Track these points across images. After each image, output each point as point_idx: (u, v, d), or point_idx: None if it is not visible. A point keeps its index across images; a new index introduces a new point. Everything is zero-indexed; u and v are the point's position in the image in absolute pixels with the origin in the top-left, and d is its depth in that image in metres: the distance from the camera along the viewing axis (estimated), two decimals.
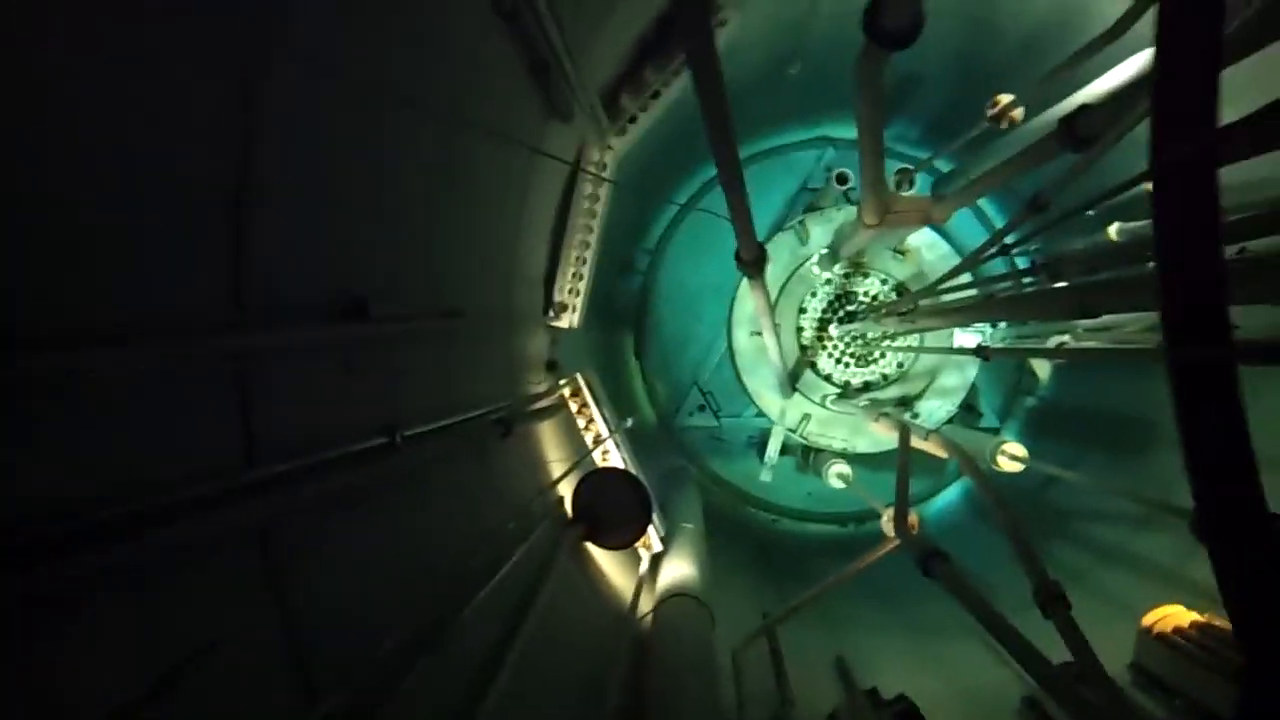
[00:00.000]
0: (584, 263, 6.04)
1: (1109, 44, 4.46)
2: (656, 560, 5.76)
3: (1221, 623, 4.62)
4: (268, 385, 2.47)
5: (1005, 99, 6.13)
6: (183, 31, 2.02)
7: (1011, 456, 6.70)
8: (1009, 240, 4.85)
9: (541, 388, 5.64)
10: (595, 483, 4.80)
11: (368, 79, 2.92)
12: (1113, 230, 6.37)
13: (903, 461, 5.18)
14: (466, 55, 3.67)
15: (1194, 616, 4.74)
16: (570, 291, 6.05)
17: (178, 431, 2.13)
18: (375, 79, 2.98)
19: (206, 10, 2.10)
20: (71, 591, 1.67)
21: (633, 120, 5.72)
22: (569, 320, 6.11)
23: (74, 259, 1.82)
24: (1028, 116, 6.11)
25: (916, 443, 5.75)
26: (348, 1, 2.72)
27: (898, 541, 4.60)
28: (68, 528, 1.65)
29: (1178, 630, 4.67)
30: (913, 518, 4.91)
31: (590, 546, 4.91)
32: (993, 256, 4.97)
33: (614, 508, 4.75)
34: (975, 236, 9.29)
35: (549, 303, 5.98)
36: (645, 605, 4.88)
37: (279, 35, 2.36)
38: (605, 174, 5.78)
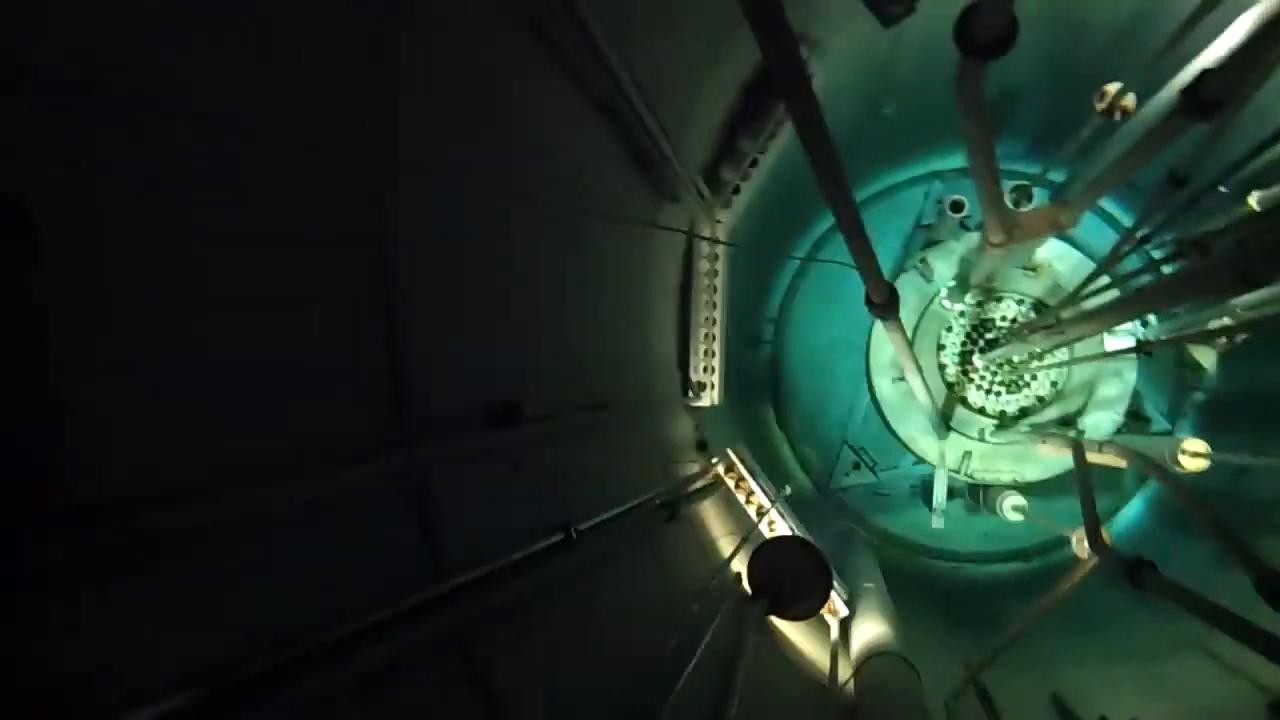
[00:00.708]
0: (713, 339, 6.05)
1: (1211, 10, 4.31)
2: (845, 625, 5.59)
3: None
4: (443, 496, 2.51)
5: (1113, 88, 5.96)
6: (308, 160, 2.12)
7: (1194, 454, 6.36)
8: (1145, 231, 4.67)
9: (696, 468, 5.61)
10: (770, 554, 4.72)
11: (486, 182, 3.01)
12: (1253, 200, 6.07)
13: (1083, 475, 4.96)
14: (575, 150, 3.77)
15: None
16: (705, 370, 6.05)
17: (363, 555, 2.17)
18: (493, 181, 3.07)
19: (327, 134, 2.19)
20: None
21: (736, 191, 5.75)
22: (709, 398, 6.10)
23: (238, 395, 1.88)
24: (1139, 103, 5.92)
25: (1092, 456, 5.50)
26: (458, 109, 2.82)
27: (1096, 559, 4.36)
28: (275, 662, 1.68)
29: None
30: (1105, 535, 4.67)
31: (776, 621, 4.80)
32: (1132, 250, 4.79)
33: (793, 577, 4.65)
34: (1102, 240, 8.97)
35: (686, 384, 5.99)
36: (844, 672, 4.72)
37: (393, 149, 2.45)
38: (718, 240, 5.81)
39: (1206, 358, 8.52)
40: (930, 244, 8.90)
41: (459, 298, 2.90)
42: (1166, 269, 4.70)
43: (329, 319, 2.22)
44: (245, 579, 1.81)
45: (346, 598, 1.97)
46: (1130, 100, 5.94)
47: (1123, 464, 5.65)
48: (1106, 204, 9.30)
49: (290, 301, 2.08)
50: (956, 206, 8.57)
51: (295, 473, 1.91)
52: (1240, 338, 6.59)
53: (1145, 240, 4.60)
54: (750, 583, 4.70)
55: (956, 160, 9.32)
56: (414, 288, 2.53)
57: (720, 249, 5.88)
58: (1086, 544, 4.40)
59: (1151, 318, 7.76)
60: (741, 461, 6.09)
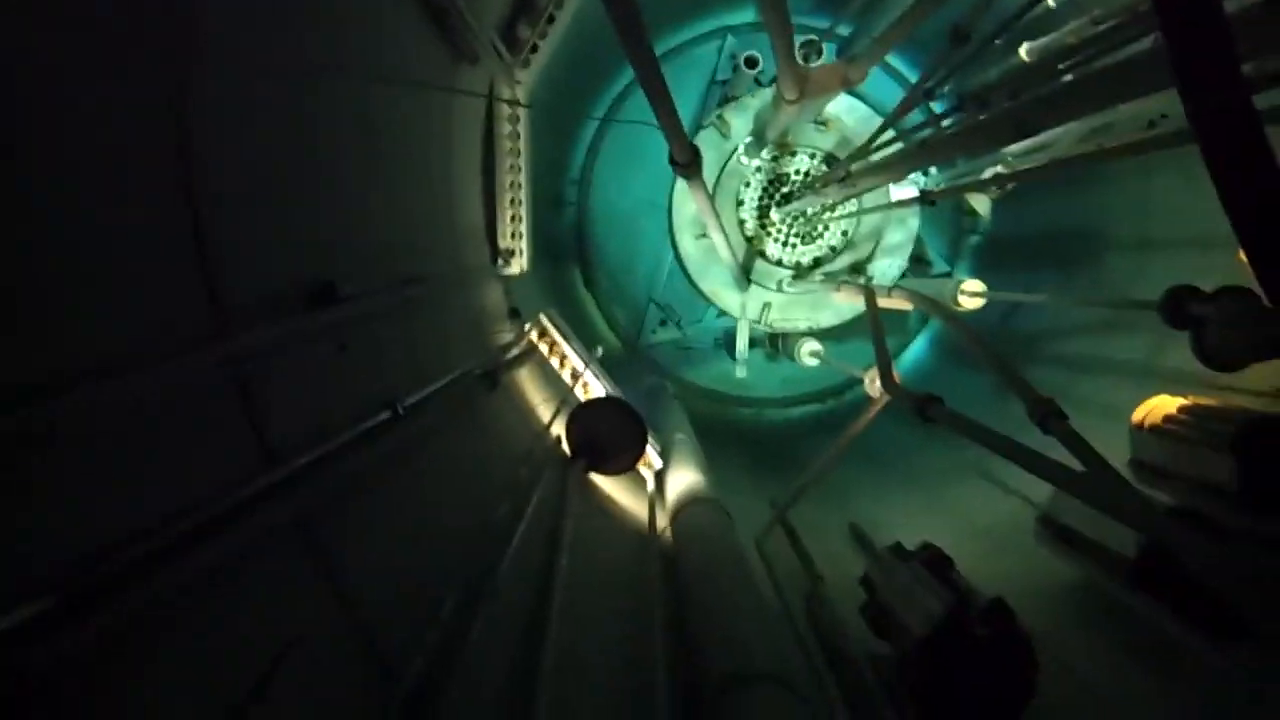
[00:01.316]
0: (519, 204, 6.01)
1: None
2: (660, 477, 5.83)
3: (1206, 400, 4.78)
4: (267, 384, 2.47)
5: None
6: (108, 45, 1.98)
7: (971, 293, 6.86)
8: (929, 85, 4.87)
9: (510, 336, 5.64)
10: (586, 415, 4.85)
11: (283, 56, 2.87)
12: (1023, 51, 6.41)
13: (874, 320, 5.26)
14: (370, 13, 3.62)
15: (1179, 401, 4.88)
16: (513, 236, 6.02)
17: (192, 451, 2.12)
18: (289, 55, 2.93)
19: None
20: (136, 627, 1.68)
21: (534, 50, 5.64)
22: (518, 265, 6.09)
23: (41, 296, 1.79)
24: None
25: (882, 301, 5.83)
26: None
27: (888, 397, 4.68)
28: (111, 568, 1.65)
29: (1167, 418, 4.82)
30: (895, 375, 5.00)
31: (596, 477, 4.96)
32: (918, 103, 5.00)
33: (609, 435, 4.81)
34: (888, 92, 9.30)
35: (495, 252, 5.95)
36: (662, 521, 4.95)
37: (192, 39, 2.32)
38: (519, 103, 5.72)
39: (981, 204, 9.09)
40: (726, 100, 8.99)
41: (265, 180, 2.78)
42: (947, 122, 4.93)
43: (135, 214, 2.11)
44: (78, 484, 1.75)
45: (183, 494, 1.94)
46: None
47: (909, 307, 6.01)
48: (892, 59, 9.60)
49: (94, 196, 1.96)
50: (751, 63, 8.65)
51: (114, 372, 1.84)
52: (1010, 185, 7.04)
53: (929, 95, 4.81)
54: (569, 444, 4.83)
55: (748, 14, 9.37)
56: (217, 171, 2.42)
57: (522, 111, 5.79)
58: (879, 383, 4.71)
59: (933, 168, 8.16)
60: (554, 326, 6.16)
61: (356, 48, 3.51)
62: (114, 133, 2.06)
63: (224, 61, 2.46)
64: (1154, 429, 4.82)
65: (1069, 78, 4.37)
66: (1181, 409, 4.80)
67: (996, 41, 4.72)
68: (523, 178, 5.97)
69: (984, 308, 7.02)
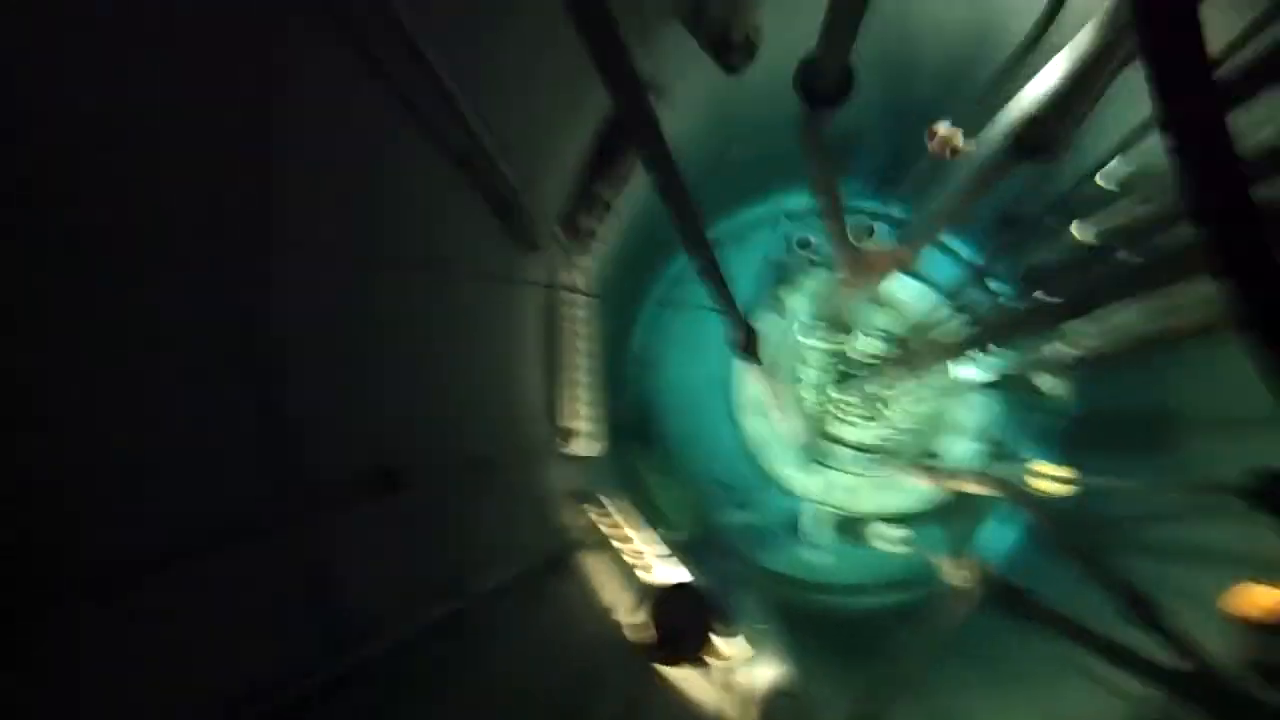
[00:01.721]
0: (584, 386, 6.04)
1: (1029, 53, 4.57)
2: (739, 668, 5.62)
3: None
4: (332, 572, 2.45)
5: (942, 128, 6.23)
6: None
7: (1048, 476, 6.65)
8: (983, 266, 4.90)
9: (576, 519, 5.59)
10: (660, 603, 4.72)
11: (358, 248, 2.97)
12: (1074, 229, 6.43)
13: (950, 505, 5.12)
14: (437, 207, 3.76)
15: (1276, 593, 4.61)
16: (579, 417, 6.04)
17: (261, 636, 2.10)
18: (365, 247, 3.03)
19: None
20: None
21: (594, 236, 5.79)
22: (586, 447, 6.08)
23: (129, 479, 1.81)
24: (968, 139, 6.21)
25: (955, 484, 5.69)
26: (329, 172, 2.78)
27: (972, 587, 4.51)
28: None
29: (1269, 610, 4.54)
30: (980, 563, 4.84)
31: (670, 669, 4.80)
32: (973, 284, 5.02)
33: (681, 623, 4.66)
34: (946, 271, 9.35)
35: (558, 432, 5.95)
36: (739, 713, 4.75)
37: (267, 220, 2.41)
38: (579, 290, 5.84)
39: (1054, 385, 8.95)
40: (782, 282, 9.12)
41: (330, 366, 2.84)
42: (1005, 301, 4.93)
43: (208, 399, 2.16)
44: (148, 664, 1.74)
45: (247, 681, 1.91)
46: (959, 139, 6.23)
47: (982, 490, 5.86)
48: (948, 239, 9.72)
49: (172, 383, 2.01)
50: (804, 244, 8.82)
51: (181, 557, 1.84)
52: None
53: (983, 274, 4.83)
54: (642, 632, 4.69)
55: (804, 198, 9.59)
56: (292, 357, 2.48)
57: (583, 297, 5.90)
58: (964, 572, 4.53)
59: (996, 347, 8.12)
60: (619, 510, 6.09)
61: (423, 237, 3.63)
62: (194, 316, 2.12)
63: (299, 249, 2.55)
64: (1259, 623, 4.52)
65: (1122, 256, 4.36)
66: None
67: (1045, 222, 4.75)
68: (585, 360, 6.03)
69: (1068, 493, 6.80)
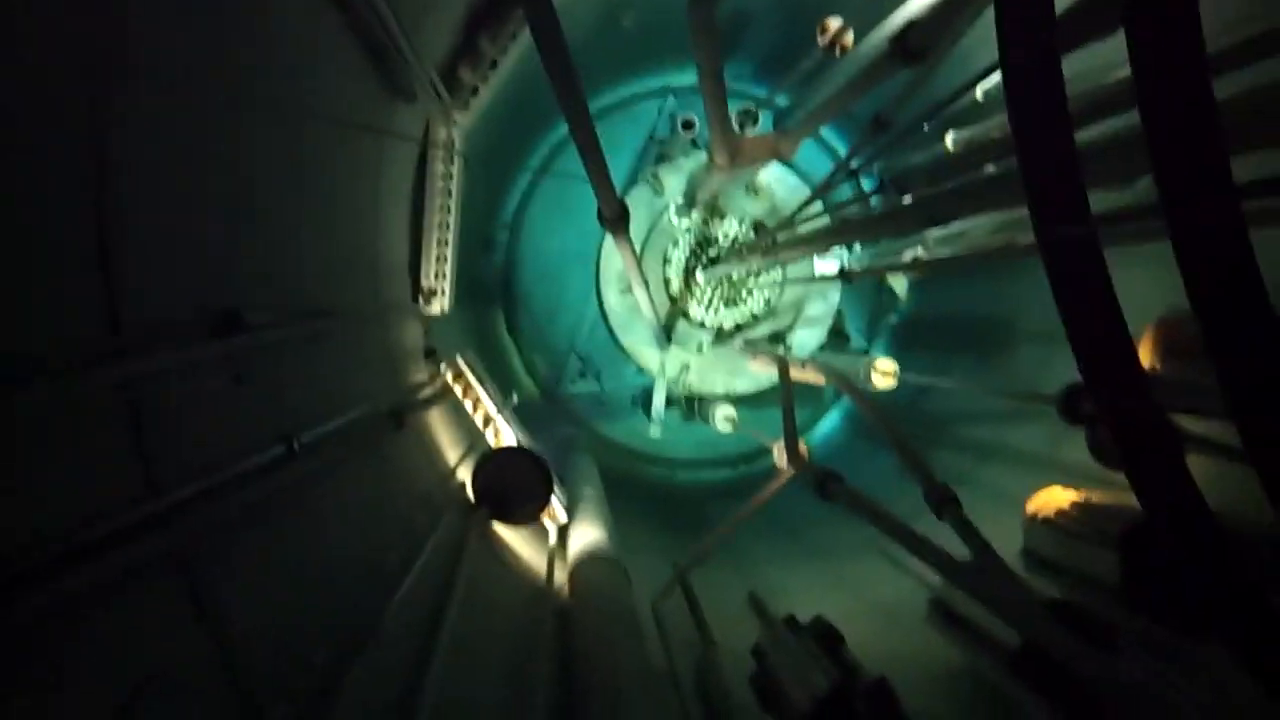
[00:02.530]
0: (446, 245, 5.96)
1: None
2: (564, 530, 5.78)
3: (1098, 498, 4.88)
4: (159, 411, 2.39)
5: (834, 24, 6.26)
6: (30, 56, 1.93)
7: (883, 372, 6.98)
8: (854, 164, 4.98)
9: (424, 376, 5.58)
10: (493, 463, 4.80)
11: (210, 82, 2.83)
12: (949, 140, 6.60)
13: (786, 392, 5.31)
14: (303, 45, 3.58)
15: (1072, 496, 4.99)
16: (436, 276, 5.97)
17: (75, 473, 2.05)
18: (217, 80, 2.88)
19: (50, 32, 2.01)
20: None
21: (475, 93, 5.64)
22: (439, 305, 6.04)
23: None
24: (857, 40, 6.25)
25: (795, 373, 5.90)
26: (183, 5, 2.62)
27: (792, 471, 4.73)
28: None
29: (1060, 511, 4.92)
30: (802, 447, 5.04)
31: (498, 527, 4.90)
32: (841, 182, 5.12)
33: (515, 484, 4.76)
34: (822, 166, 9.50)
35: (417, 290, 5.89)
36: (560, 576, 4.90)
37: (118, 50, 2.27)
38: (454, 149, 5.71)
39: (899, 285, 9.28)
40: (662, 159, 9.10)
41: (177, 201, 2.72)
42: (872, 200, 5.04)
43: (35, 219, 2.05)
44: None
45: (56, 517, 1.87)
46: (849, 38, 6.27)
47: (822, 381, 6.08)
48: (826, 134, 9.82)
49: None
50: (688, 125, 8.78)
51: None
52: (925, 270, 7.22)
53: (854, 173, 4.92)
54: (474, 491, 4.76)
55: (690, 77, 9.51)
56: (131, 188, 2.36)
57: (456, 154, 5.78)
58: (785, 456, 4.75)
59: (856, 244, 8.32)
60: (470, 369, 6.10)
61: (289, 76, 3.48)
62: (29, 135, 2.00)
63: (149, 75, 2.41)
64: (1046, 521, 4.91)
65: (990, 169, 4.50)
66: (1074, 504, 4.90)
67: (925, 127, 4.84)
68: (452, 219, 5.94)
69: (896, 388, 7.14)
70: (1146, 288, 4.62)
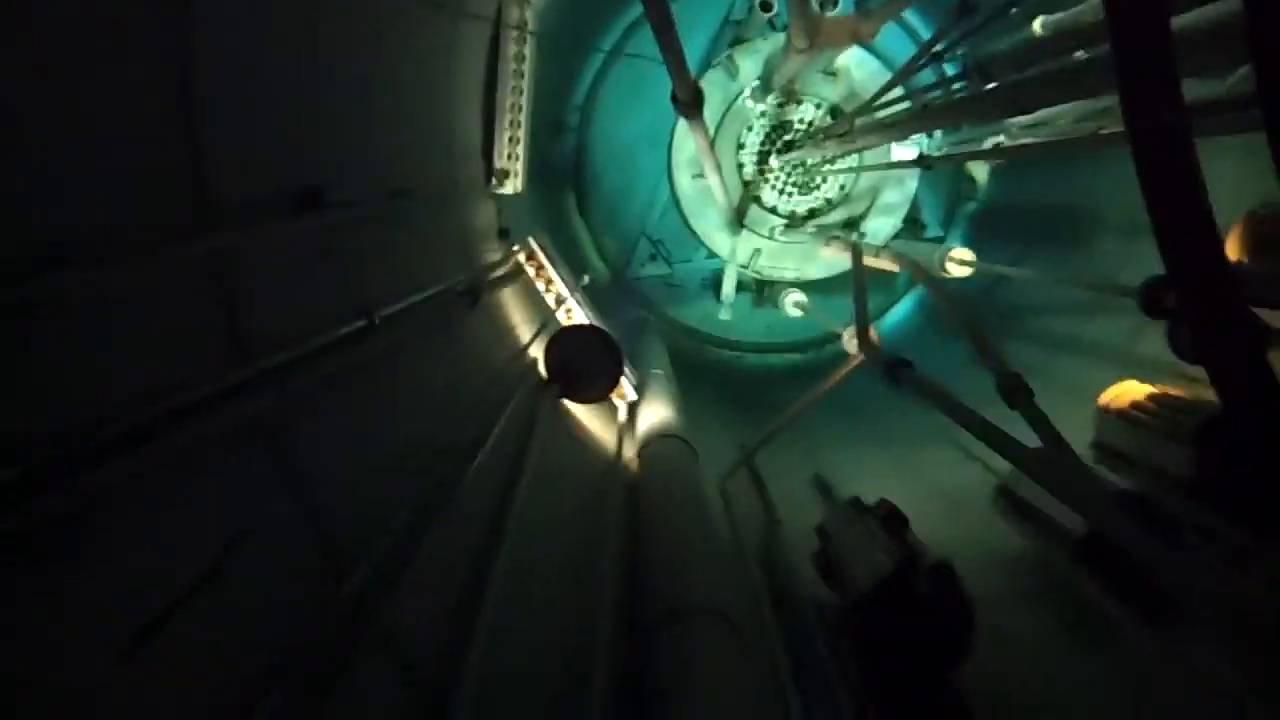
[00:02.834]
0: (519, 126, 5.97)
1: None
2: (633, 409, 5.89)
3: (1174, 391, 4.84)
4: (247, 282, 2.50)
5: None
6: None
7: (959, 261, 6.89)
8: (938, 49, 4.85)
9: (497, 256, 5.65)
10: (565, 341, 4.87)
11: None
12: (1037, 25, 6.36)
13: (858, 280, 5.30)
14: None
15: (1148, 389, 4.94)
16: (509, 157, 6.00)
17: (166, 341, 2.15)
18: None
19: None
20: (85, 512, 1.72)
21: None
22: (512, 186, 6.07)
23: (31, 183, 1.80)
24: None
25: (869, 260, 5.87)
26: None
27: (862, 356, 4.74)
28: (68, 451, 1.68)
29: (1134, 404, 4.88)
30: (872, 334, 5.05)
31: (568, 403, 5.01)
32: (924, 66, 4.99)
33: (586, 362, 4.84)
34: (902, 50, 9.21)
35: (490, 171, 5.93)
36: (629, 452, 5.02)
37: None
38: (526, 29, 5.67)
39: (979, 172, 9.08)
40: (738, 41, 8.90)
41: (260, 80, 2.78)
42: (955, 86, 4.92)
43: (125, 102, 2.11)
44: (50, 364, 1.78)
45: (152, 382, 1.98)
46: None
47: (895, 269, 6.04)
48: (909, 16, 9.50)
49: (88, 86, 1.97)
50: (765, 6, 8.57)
51: (96, 259, 1.86)
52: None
53: (939, 57, 4.79)
54: (545, 367, 4.87)
55: None
56: (216, 68, 2.42)
57: (528, 34, 5.74)
58: (855, 341, 4.76)
59: (936, 131, 8.12)
60: (542, 250, 6.17)
61: None
62: (115, 12, 2.05)
63: None
64: (1119, 413, 4.88)
65: (1079, 55, 4.36)
66: (1149, 396, 4.86)
67: (1013, 11, 4.69)
68: (524, 100, 5.94)
69: (971, 278, 7.06)
70: (1237, 180, 4.51)
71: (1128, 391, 4.97)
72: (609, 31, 9.26)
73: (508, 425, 3.73)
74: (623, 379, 5.43)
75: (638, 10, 8.90)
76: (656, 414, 5.33)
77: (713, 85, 8.43)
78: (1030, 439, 3.07)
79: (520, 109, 5.95)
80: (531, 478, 3.55)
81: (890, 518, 4.44)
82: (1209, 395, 4.69)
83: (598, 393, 4.98)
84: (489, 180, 5.94)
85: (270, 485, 2.36)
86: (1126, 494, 3.87)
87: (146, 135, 2.19)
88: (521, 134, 6.02)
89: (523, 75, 5.88)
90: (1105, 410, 4.99)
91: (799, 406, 5.58)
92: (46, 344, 1.77)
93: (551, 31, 6.16)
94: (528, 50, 5.81)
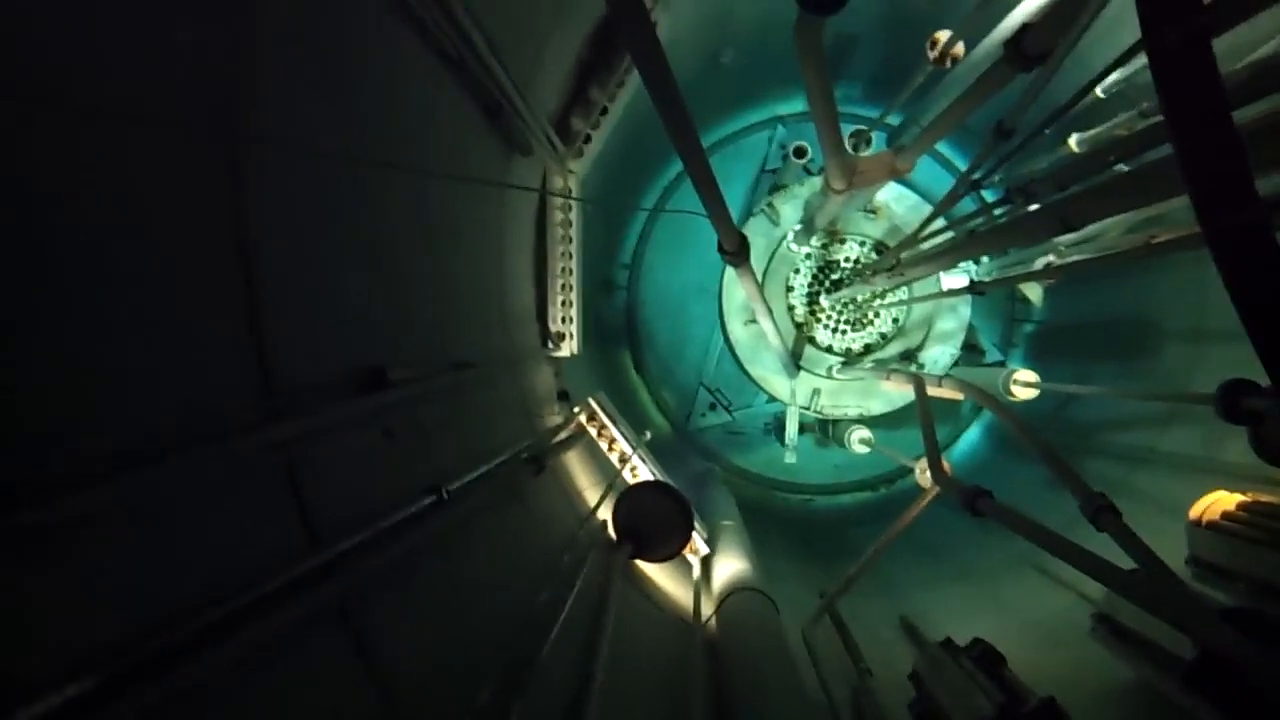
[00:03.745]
0: (570, 289, 6.08)
1: None
2: (706, 563, 5.79)
3: (1266, 498, 4.66)
4: (314, 468, 2.51)
5: (943, 36, 6.20)
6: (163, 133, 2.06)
7: (1024, 384, 6.80)
8: (976, 176, 4.89)
9: (559, 419, 5.68)
10: (633, 500, 4.83)
11: (340, 145, 2.97)
12: (1072, 142, 6.44)
13: (924, 410, 5.22)
14: (426, 106, 3.73)
15: (1238, 498, 4.77)
16: (563, 320, 6.09)
17: (236, 532, 2.15)
18: (346, 143, 3.03)
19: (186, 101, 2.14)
20: (177, 707, 1.68)
21: (587, 140, 5.77)
22: (569, 348, 6.14)
23: (97, 375, 1.84)
24: (968, 49, 6.17)
25: (932, 390, 5.79)
26: (313, 72, 2.76)
27: (938, 489, 4.63)
28: (145, 654, 1.67)
29: (1226, 515, 4.71)
30: (945, 465, 4.95)
31: (641, 563, 4.93)
32: (964, 195, 5.03)
33: (655, 520, 4.78)
34: (938, 181, 9.38)
35: (546, 335, 6.02)
36: (707, 608, 4.91)
37: (249, 114, 2.41)
38: (571, 196, 5.84)
39: (1034, 293, 9.04)
40: (776, 188, 9.09)
41: (318, 265, 2.86)
42: (997, 211, 4.94)
43: (190, 297, 2.18)
44: (123, 564, 1.79)
45: (226, 577, 1.97)
46: (960, 49, 6.20)
47: (959, 396, 5.96)
48: (941, 148, 9.69)
49: (151, 282, 2.03)
50: (800, 152, 8.78)
51: (165, 455, 1.88)
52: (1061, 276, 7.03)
53: (977, 185, 4.82)
54: (615, 529, 4.81)
55: (798, 104, 9.55)
56: (274, 255, 2.49)
57: (574, 201, 5.91)
58: (929, 474, 4.66)
59: (984, 256, 8.15)
60: (602, 409, 6.18)
61: (411, 138, 3.62)
62: (172, 208, 2.13)
63: (283, 143, 2.55)
64: (1212, 525, 4.70)
65: (1120, 168, 4.37)
66: (1241, 505, 4.69)
67: (1046, 132, 4.74)
68: (574, 264, 6.07)
69: (1038, 399, 6.95)
70: None
71: (1218, 502, 4.80)
72: (651, 190, 9.54)
73: (583, 590, 3.67)
74: (694, 534, 5.35)
75: (677, 167, 9.18)
76: (731, 567, 5.23)
77: (756, 233, 8.56)
78: (1121, 560, 2.94)
79: (570, 272, 6.07)
80: (611, 643, 3.47)
81: (986, 657, 4.26)
82: None
83: (670, 550, 4.90)
84: (545, 344, 6.03)
85: (349, 674, 2.32)
86: (1234, 610, 3.68)
87: (209, 323, 2.25)
88: (574, 296, 6.13)
89: (570, 240, 6.02)
90: (1197, 523, 4.81)
91: (878, 546, 5.45)
92: (117, 544, 1.78)
93: (595, 194, 6.34)
94: (574, 216, 5.97)
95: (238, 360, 2.33)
